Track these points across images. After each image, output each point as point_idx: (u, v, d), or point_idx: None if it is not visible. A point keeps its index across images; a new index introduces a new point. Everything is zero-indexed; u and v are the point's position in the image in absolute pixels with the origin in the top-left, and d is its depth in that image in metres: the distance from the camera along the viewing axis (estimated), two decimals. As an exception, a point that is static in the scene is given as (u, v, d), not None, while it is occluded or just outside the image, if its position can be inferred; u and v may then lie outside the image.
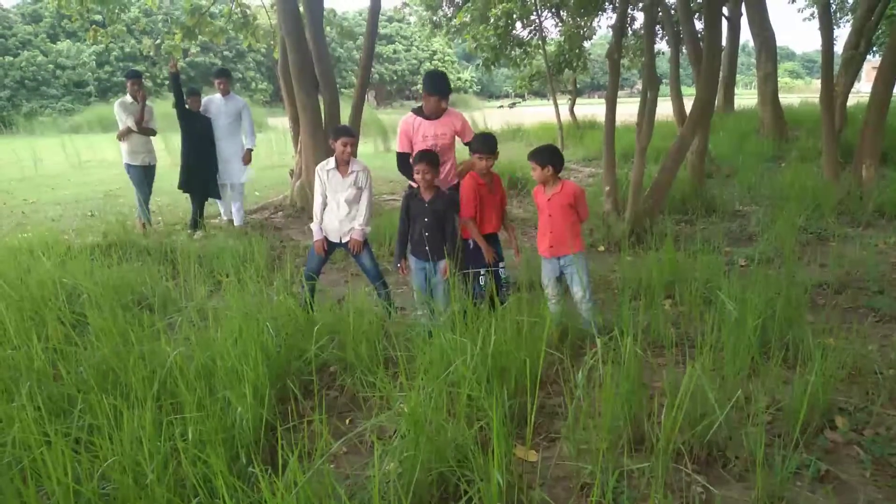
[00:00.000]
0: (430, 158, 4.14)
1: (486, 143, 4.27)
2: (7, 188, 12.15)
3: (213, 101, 7.69)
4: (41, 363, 3.20)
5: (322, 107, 8.21)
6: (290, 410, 3.14)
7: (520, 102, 20.40)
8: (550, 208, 4.13)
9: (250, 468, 2.56)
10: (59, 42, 45.95)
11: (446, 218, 4.17)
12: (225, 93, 7.67)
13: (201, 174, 7.66)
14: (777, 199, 7.80)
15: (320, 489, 2.33)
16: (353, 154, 4.55)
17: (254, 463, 2.50)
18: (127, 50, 44.37)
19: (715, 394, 2.72)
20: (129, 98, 7.58)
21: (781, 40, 17.37)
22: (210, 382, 3.06)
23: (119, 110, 7.54)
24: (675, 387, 2.73)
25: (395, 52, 63.29)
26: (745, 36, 31.91)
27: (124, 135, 7.51)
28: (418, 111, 4.66)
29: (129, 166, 7.64)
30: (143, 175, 7.70)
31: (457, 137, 4.73)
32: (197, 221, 7.69)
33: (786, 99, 18.48)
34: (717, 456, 2.79)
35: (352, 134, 4.57)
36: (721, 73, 14.55)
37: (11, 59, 42.41)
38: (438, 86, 4.52)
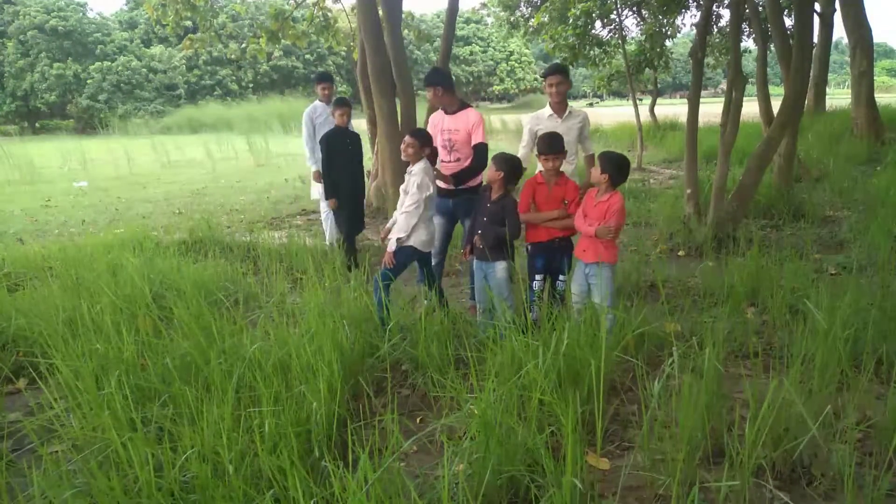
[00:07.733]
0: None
1: (548, 144, 4.07)
2: (103, 186, 12.85)
3: (316, 108, 6.83)
4: (130, 354, 3.35)
5: (399, 109, 8.29)
6: (363, 407, 3.18)
7: (598, 102, 20.07)
8: (596, 213, 3.89)
9: (323, 462, 2.61)
10: (152, 47, 48.39)
11: (503, 221, 4.05)
12: (329, 100, 6.84)
13: (351, 203, 6.16)
14: (871, 204, 7.37)
15: (390, 486, 2.35)
16: (414, 155, 4.25)
17: (326, 457, 2.54)
18: (214, 54, 46.23)
19: (801, 407, 2.60)
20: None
21: (879, 36, 16.46)
22: (286, 377, 3.14)
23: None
24: (759, 399, 2.61)
25: (471, 53, 63.48)
26: (839, 32, 30.46)
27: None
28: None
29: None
30: None
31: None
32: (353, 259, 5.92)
33: (883, 99, 17.50)
34: (802, 473, 2.66)
35: (413, 135, 4.32)
36: (812, 72, 13.89)
37: (109, 63, 44.96)
38: (428, 79, 4.81)
